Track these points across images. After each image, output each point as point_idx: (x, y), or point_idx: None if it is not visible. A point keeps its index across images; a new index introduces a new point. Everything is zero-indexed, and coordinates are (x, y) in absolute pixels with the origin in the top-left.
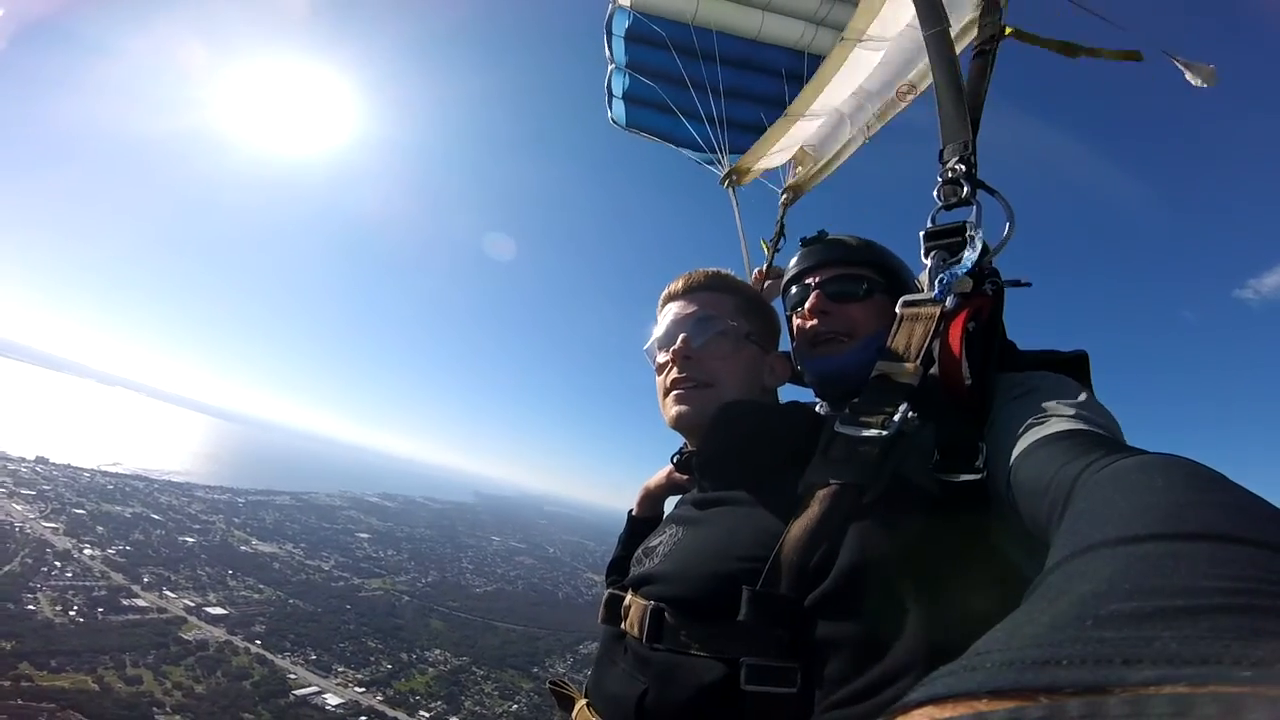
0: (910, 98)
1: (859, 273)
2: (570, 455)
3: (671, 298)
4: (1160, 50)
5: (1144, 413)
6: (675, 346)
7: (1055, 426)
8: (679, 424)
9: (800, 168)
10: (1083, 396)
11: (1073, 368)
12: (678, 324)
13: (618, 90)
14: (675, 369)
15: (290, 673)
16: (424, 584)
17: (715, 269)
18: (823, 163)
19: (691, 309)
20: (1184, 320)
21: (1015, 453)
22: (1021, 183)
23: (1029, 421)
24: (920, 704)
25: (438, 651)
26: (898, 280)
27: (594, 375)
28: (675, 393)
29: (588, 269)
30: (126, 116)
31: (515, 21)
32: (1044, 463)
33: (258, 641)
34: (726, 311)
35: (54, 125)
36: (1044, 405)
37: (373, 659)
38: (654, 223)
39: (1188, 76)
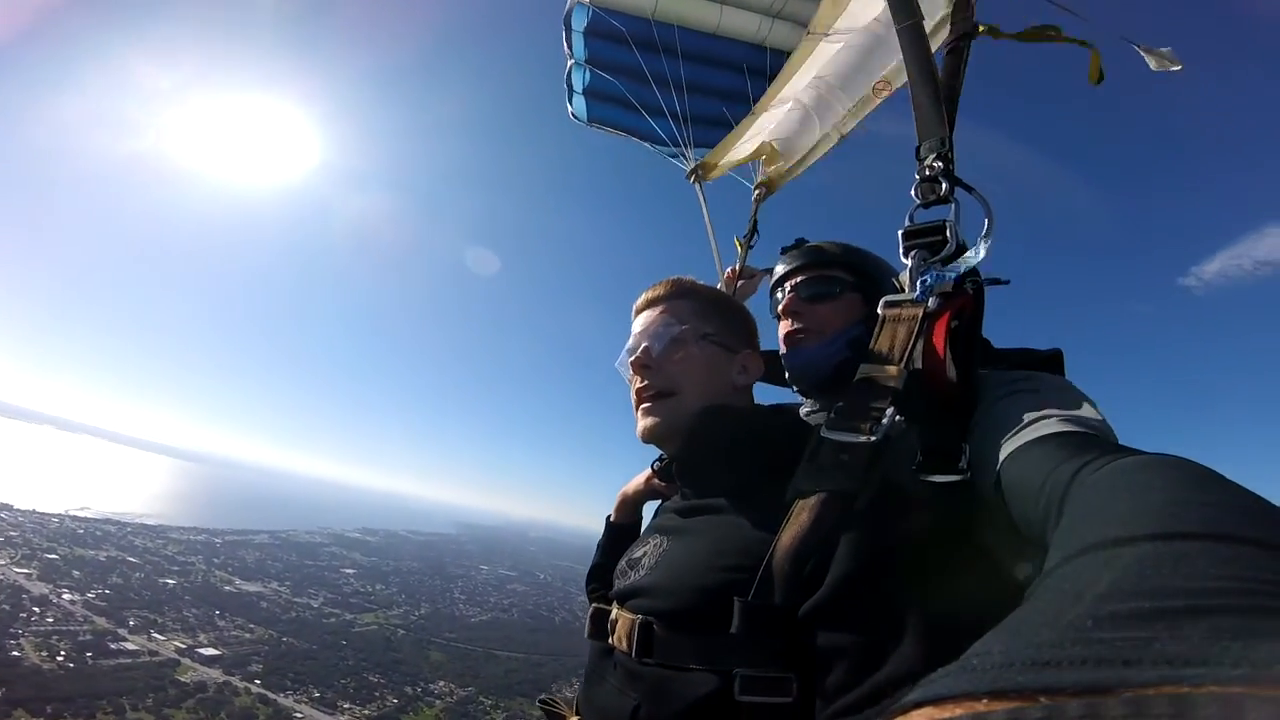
0: (885, 94)
1: (831, 274)
2: (552, 480)
3: (636, 312)
4: (1118, 36)
5: (1112, 410)
6: (635, 357)
7: (1046, 428)
8: (648, 437)
9: (769, 164)
10: (1071, 395)
11: (1050, 366)
12: (638, 335)
13: (578, 86)
14: (638, 379)
15: (296, 711)
16: (417, 616)
17: (675, 277)
18: (794, 160)
19: (651, 319)
20: (1137, 312)
21: (1005, 453)
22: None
23: (1018, 422)
24: (920, 704)
25: (442, 683)
26: (871, 278)
27: (570, 396)
28: (642, 405)
29: (558, 284)
30: (78, 148)
31: (474, 35)
32: (1036, 463)
33: (257, 681)
34: (685, 316)
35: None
36: (1033, 405)
37: (377, 694)
38: (623, 228)
39: (1148, 61)
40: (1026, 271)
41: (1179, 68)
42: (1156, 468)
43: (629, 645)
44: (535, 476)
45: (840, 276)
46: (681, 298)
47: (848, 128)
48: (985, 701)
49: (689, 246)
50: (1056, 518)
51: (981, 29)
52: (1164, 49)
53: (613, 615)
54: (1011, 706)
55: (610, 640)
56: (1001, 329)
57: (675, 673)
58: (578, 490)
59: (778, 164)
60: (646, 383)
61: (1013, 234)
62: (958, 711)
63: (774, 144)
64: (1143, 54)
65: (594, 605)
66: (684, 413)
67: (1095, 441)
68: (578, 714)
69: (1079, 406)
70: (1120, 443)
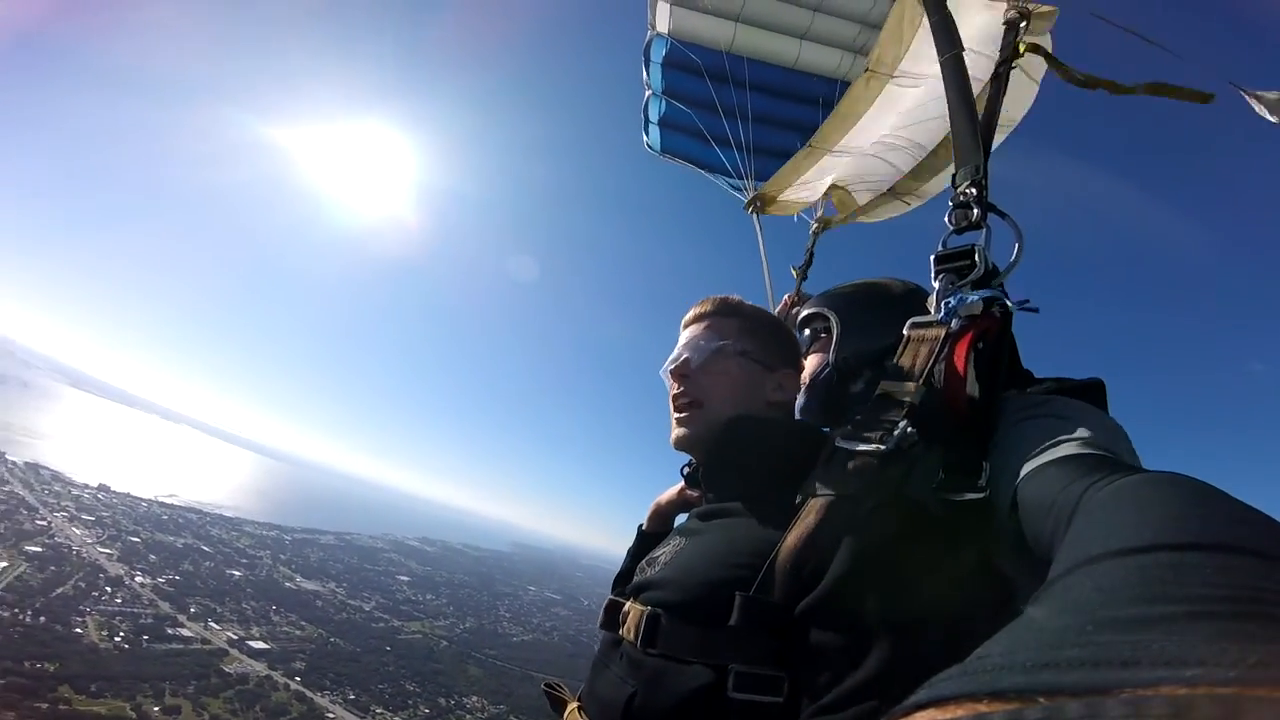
0: None
1: (813, 326)
2: (607, 509)
3: (684, 326)
4: (1228, 81)
5: (1221, 472)
6: (674, 366)
7: (1063, 450)
8: (677, 446)
9: (839, 210)
10: (1092, 420)
11: (1088, 394)
12: (682, 347)
13: (654, 116)
14: (674, 387)
15: (329, 711)
16: (462, 630)
17: (723, 296)
18: (865, 215)
19: (695, 332)
20: (1252, 372)
21: (1022, 473)
22: (1074, 233)
23: (1037, 443)
24: (922, 705)
25: (475, 698)
26: (845, 314)
27: (636, 431)
28: (675, 416)
29: (627, 311)
30: (192, 168)
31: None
32: (1049, 483)
33: (297, 678)
34: (729, 333)
35: (127, 175)
36: (1052, 428)
37: (410, 702)
38: (690, 255)
39: (1258, 109)
40: (1131, 327)
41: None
42: (1160, 484)
43: (635, 635)
44: (592, 504)
45: (816, 327)
46: (726, 315)
47: (933, 192)
48: (986, 702)
49: (748, 275)
50: (1063, 533)
51: (1023, 49)
52: (1274, 94)
53: (625, 607)
54: (1011, 707)
55: (620, 631)
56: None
57: (674, 664)
58: (631, 522)
59: (846, 211)
60: (681, 389)
61: (1125, 284)
62: (959, 712)
63: (850, 190)
64: (1251, 101)
65: (610, 597)
66: (710, 423)
67: (1108, 462)
68: (580, 701)
69: (1097, 430)
70: (1139, 465)
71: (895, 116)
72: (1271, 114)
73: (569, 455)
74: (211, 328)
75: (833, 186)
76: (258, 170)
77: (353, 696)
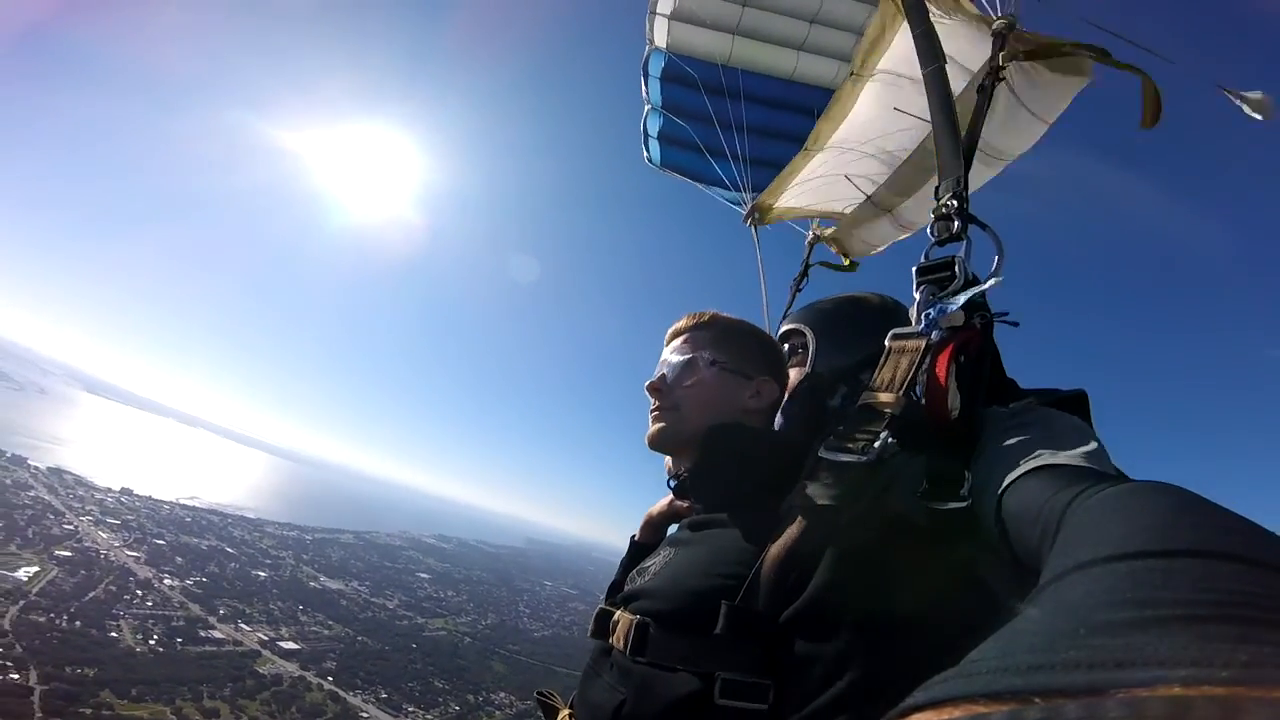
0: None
1: (792, 341)
2: (617, 505)
3: (666, 342)
4: (1214, 84)
5: (1236, 463)
6: (650, 381)
7: (1046, 459)
8: (651, 443)
9: (834, 241)
10: (1074, 430)
11: (1071, 405)
12: (660, 365)
13: (653, 130)
14: (652, 401)
15: (362, 711)
16: (484, 626)
17: (700, 311)
18: (857, 233)
19: (673, 348)
20: (1273, 359)
21: (1005, 483)
22: (1084, 225)
23: (1020, 453)
24: (919, 707)
25: (502, 694)
26: (824, 332)
27: (637, 424)
28: (651, 414)
29: (630, 312)
30: (202, 172)
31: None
32: (1035, 492)
33: (329, 678)
34: (703, 345)
35: (135, 180)
36: (1035, 438)
37: (441, 700)
38: (700, 256)
39: (1243, 108)
40: (1150, 316)
41: (1264, 117)
42: (1148, 493)
43: (625, 644)
44: (601, 500)
45: (793, 342)
46: (700, 329)
47: (921, 222)
48: (983, 704)
49: (753, 280)
50: (1051, 541)
51: (1004, 59)
52: (1257, 94)
53: (615, 616)
54: (1009, 708)
55: (610, 639)
56: (1114, 375)
57: (662, 672)
58: (638, 516)
59: (844, 237)
60: (657, 401)
61: (1134, 276)
62: (956, 714)
63: (847, 225)
64: (1236, 101)
65: (600, 606)
66: (685, 426)
67: (1091, 472)
68: (571, 709)
69: (1080, 440)
70: (1121, 475)
71: (870, 120)
72: (1256, 113)
73: (578, 452)
74: (223, 331)
75: (845, 218)
76: (266, 173)
77: (384, 695)
